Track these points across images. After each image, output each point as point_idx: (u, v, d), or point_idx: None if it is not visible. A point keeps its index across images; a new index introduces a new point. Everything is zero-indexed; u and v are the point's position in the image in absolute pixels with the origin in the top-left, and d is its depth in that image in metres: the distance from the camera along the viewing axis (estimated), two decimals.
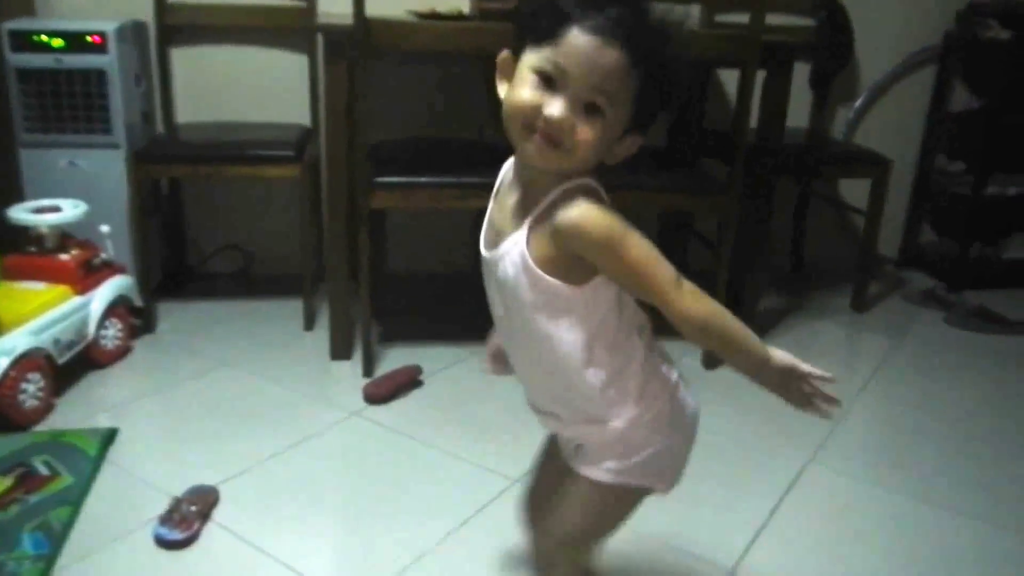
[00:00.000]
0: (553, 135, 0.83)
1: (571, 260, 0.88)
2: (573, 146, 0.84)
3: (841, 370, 2.25)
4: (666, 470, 1.03)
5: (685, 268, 2.65)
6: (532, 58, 0.84)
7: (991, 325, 2.49)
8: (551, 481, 1.09)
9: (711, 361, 2.14)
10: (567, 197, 0.88)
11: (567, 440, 1.03)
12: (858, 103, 2.88)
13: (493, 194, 0.98)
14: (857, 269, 2.61)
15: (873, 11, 2.74)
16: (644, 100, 0.86)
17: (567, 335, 0.92)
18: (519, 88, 0.85)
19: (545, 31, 0.83)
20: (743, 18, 1.89)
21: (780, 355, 0.95)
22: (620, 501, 1.02)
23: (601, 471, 0.99)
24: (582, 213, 0.86)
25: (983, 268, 2.87)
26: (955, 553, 1.48)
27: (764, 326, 2.42)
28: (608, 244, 0.87)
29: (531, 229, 0.89)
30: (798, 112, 2.71)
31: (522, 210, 0.91)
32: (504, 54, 0.89)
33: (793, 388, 0.95)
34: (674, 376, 1.02)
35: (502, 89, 0.89)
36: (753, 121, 2.08)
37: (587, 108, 0.83)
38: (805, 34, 2.66)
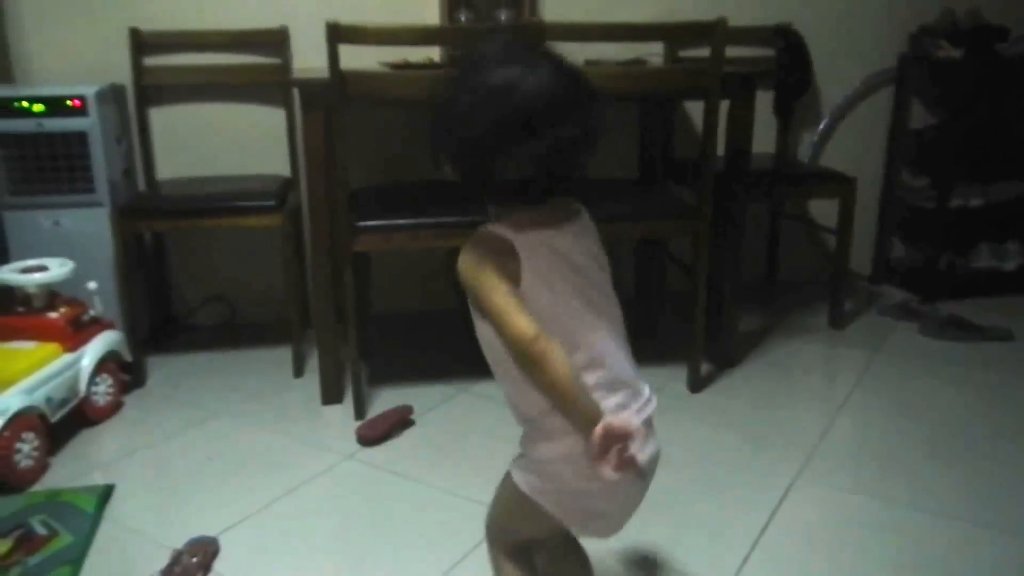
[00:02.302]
0: None
1: None
2: None
3: (823, 384, 2.30)
4: (576, 513, 1.04)
5: (663, 291, 2.73)
6: None
7: (963, 333, 2.56)
8: None
9: (696, 384, 2.19)
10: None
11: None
12: (821, 126, 2.97)
13: None
14: (831, 286, 2.68)
15: (830, 38, 2.85)
16: None
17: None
18: None
19: None
20: (705, 52, 1.97)
21: (619, 422, 0.92)
22: (532, 514, 1.05)
23: (521, 477, 1.05)
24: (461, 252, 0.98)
25: (953, 278, 2.95)
26: (948, 557, 1.51)
27: (744, 346, 2.47)
28: (468, 286, 0.97)
29: None
30: (765, 138, 2.80)
31: None
32: None
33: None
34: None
35: None
36: (722, 148, 2.15)
37: None
38: (766, 63, 2.75)
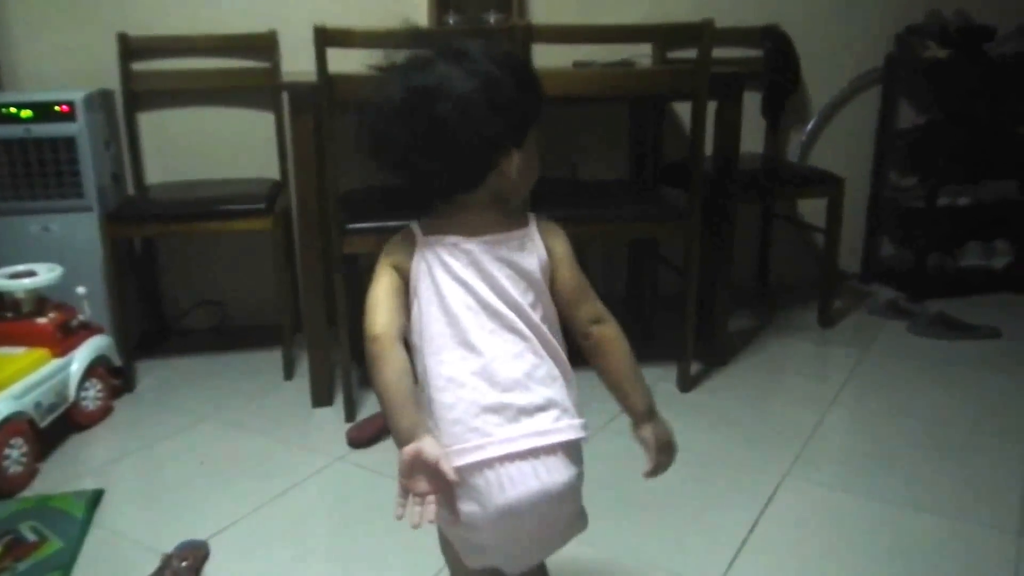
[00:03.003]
0: None
1: None
2: None
3: (812, 383, 2.31)
4: (458, 542, 1.00)
5: (655, 293, 2.74)
6: (535, 133, 0.99)
7: (952, 331, 2.57)
8: None
9: (686, 384, 2.19)
10: None
11: None
12: (809, 126, 2.99)
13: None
14: (821, 286, 2.69)
15: (817, 39, 2.86)
16: None
17: None
18: (537, 159, 1.00)
19: (543, 107, 0.99)
20: (693, 53, 1.98)
21: (414, 447, 0.89)
22: (445, 544, 1.08)
23: None
24: None
25: (942, 277, 2.96)
26: (935, 553, 1.52)
27: (734, 345, 2.48)
28: None
29: None
30: (753, 138, 2.81)
31: None
32: (517, 155, 0.97)
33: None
34: (465, 460, 0.91)
35: (511, 179, 0.98)
36: (711, 149, 2.16)
37: None
38: (754, 64, 2.77)
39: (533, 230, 1.01)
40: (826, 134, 3.01)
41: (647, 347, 2.46)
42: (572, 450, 0.96)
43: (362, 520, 1.65)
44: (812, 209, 2.94)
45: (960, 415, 2.07)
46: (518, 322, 0.96)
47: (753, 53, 2.79)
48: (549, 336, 0.99)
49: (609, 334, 1.02)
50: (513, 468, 0.90)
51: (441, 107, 0.90)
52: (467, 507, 0.91)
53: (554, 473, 0.92)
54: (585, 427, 0.97)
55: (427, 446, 0.88)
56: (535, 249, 1.00)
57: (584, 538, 1.42)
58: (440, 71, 0.92)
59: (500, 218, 1.00)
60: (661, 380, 2.22)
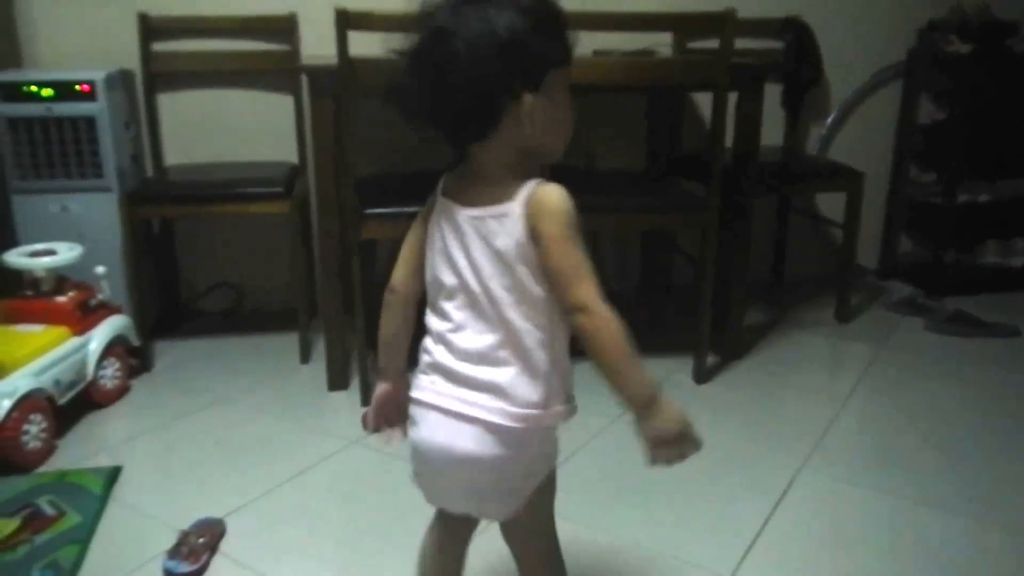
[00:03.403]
0: None
1: None
2: None
3: (828, 378, 2.30)
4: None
5: (669, 284, 2.73)
6: (565, 78, 0.95)
7: (969, 329, 2.56)
8: None
9: (702, 376, 2.19)
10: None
11: None
12: (830, 120, 2.97)
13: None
14: (838, 281, 2.68)
15: (839, 32, 2.84)
16: None
17: None
18: (567, 111, 0.97)
19: (570, 48, 0.96)
20: (714, 43, 1.96)
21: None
22: None
23: None
24: None
25: (959, 274, 2.94)
26: (950, 552, 1.51)
27: (750, 339, 2.48)
28: None
29: None
30: (773, 131, 2.80)
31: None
32: (532, 99, 0.92)
33: None
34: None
35: (532, 130, 0.93)
36: (730, 141, 2.15)
37: None
38: (775, 56, 2.75)
39: (516, 206, 0.93)
40: (846, 128, 2.99)
41: (661, 337, 2.46)
42: (501, 433, 0.95)
43: (376, 503, 1.66)
44: (829, 203, 2.92)
45: (976, 414, 2.06)
46: (487, 305, 0.96)
47: (773, 44, 2.77)
48: (518, 323, 0.95)
49: (589, 326, 0.91)
50: (432, 416, 0.99)
51: (449, 47, 0.89)
52: (411, 430, 1.04)
53: (462, 438, 0.97)
54: (522, 419, 0.95)
55: (377, 390, 1.12)
56: (513, 228, 0.93)
57: (597, 525, 1.42)
58: (460, 12, 0.91)
59: (494, 190, 0.95)
60: (676, 372, 2.22)
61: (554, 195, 0.93)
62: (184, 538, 1.47)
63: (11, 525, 1.53)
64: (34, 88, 2.17)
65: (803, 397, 2.16)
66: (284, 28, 2.49)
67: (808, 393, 2.18)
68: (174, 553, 1.43)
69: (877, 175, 2.93)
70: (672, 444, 0.95)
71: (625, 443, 1.53)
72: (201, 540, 1.46)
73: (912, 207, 3.03)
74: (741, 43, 2.06)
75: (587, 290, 0.92)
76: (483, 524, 1.13)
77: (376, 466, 1.80)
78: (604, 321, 0.91)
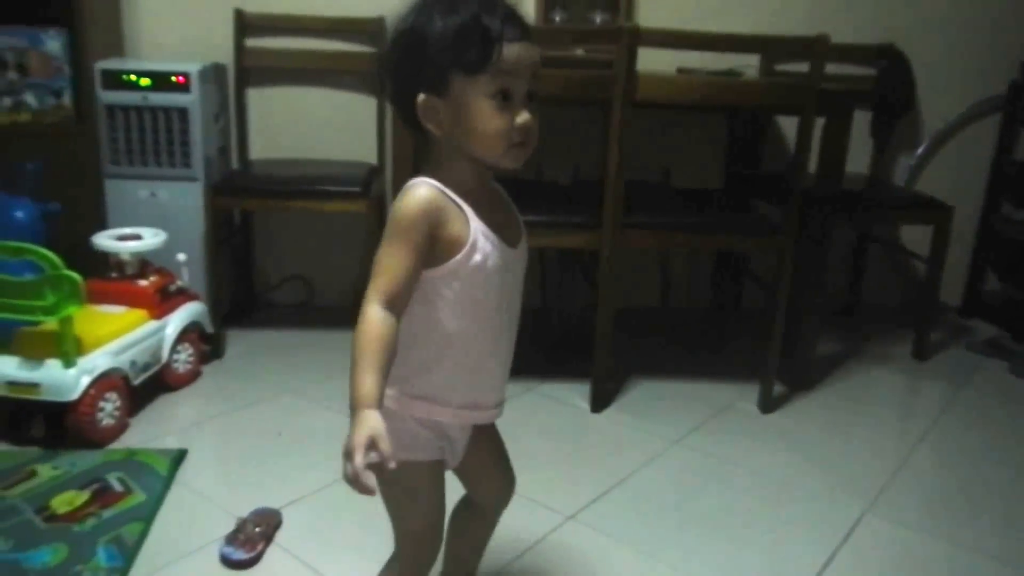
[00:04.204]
0: (529, 139, 0.95)
1: None
2: (535, 138, 0.96)
3: (901, 418, 2.22)
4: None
5: (738, 306, 2.67)
6: (479, 87, 0.92)
7: None
8: (483, 465, 1.21)
9: (767, 405, 2.14)
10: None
11: (496, 405, 1.11)
12: (920, 150, 2.87)
13: (463, 208, 0.98)
14: (918, 316, 2.58)
15: (937, 60, 2.74)
16: None
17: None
18: (486, 117, 0.92)
19: (480, 59, 0.90)
20: (799, 66, 1.92)
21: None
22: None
23: None
24: None
25: None
26: None
27: (821, 370, 2.40)
28: None
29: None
30: (860, 158, 2.72)
31: (507, 206, 1.06)
32: (424, 98, 0.94)
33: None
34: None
35: (435, 127, 0.95)
36: (814, 166, 2.10)
37: (529, 98, 0.94)
38: (865, 82, 2.67)
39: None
40: (937, 159, 2.89)
41: (727, 362, 2.40)
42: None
43: None
44: (912, 235, 2.82)
45: None
46: None
47: (864, 71, 2.69)
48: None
49: (358, 320, 0.97)
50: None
51: (388, 43, 0.97)
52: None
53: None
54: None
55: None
56: None
57: (649, 551, 1.39)
58: (404, 13, 0.97)
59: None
60: (741, 399, 2.16)
61: (404, 195, 0.96)
62: (242, 525, 1.50)
63: (81, 497, 1.58)
64: (133, 77, 2.26)
65: (874, 435, 2.08)
66: (372, 30, 2.54)
67: (879, 431, 2.11)
68: (231, 539, 1.46)
69: (965, 209, 2.81)
70: (345, 460, 0.90)
71: (677, 469, 1.50)
72: (258, 529, 1.49)
73: (1002, 245, 2.91)
74: (831, 68, 2.00)
75: (370, 288, 0.97)
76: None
77: None
78: (362, 319, 0.96)
